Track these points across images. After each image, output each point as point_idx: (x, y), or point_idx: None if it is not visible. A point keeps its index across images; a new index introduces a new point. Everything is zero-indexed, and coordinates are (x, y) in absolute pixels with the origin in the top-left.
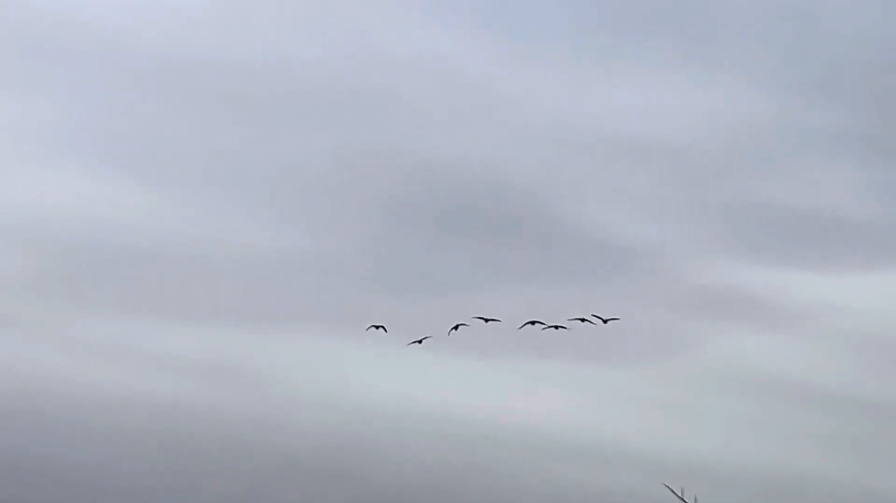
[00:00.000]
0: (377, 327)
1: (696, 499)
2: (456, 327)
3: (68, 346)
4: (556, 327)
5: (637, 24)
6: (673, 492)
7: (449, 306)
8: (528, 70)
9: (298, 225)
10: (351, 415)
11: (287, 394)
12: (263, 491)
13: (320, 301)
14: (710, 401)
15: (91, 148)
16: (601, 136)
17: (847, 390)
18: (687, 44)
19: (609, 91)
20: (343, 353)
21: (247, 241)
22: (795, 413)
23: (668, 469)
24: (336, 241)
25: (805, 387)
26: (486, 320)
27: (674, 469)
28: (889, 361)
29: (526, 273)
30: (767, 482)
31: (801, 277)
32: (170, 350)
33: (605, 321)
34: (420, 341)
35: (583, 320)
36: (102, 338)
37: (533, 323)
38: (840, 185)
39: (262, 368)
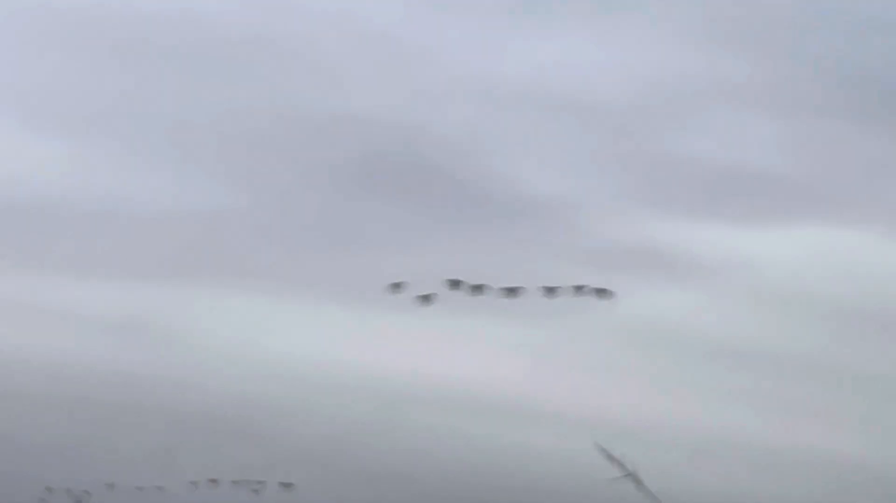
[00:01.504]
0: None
1: (633, 467)
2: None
3: None
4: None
5: None
6: (605, 451)
7: (363, 264)
8: (445, 22)
9: (209, 180)
10: (265, 374)
11: (198, 353)
12: (175, 453)
13: (232, 257)
14: (624, 357)
15: None
16: (517, 90)
17: (763, 346)
18: None
19: (527, 44)
20: (255, 311)
21: (157, 196)
22: (710, 369)
23: (581, 426)
24: (249, 196)
25: (720, 343)
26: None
27: (586, 426)
28: (805, 317)
29: (442, 229)
30: (682, 439)
31: (717, 232)
32: (75, 307)
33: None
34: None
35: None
36: (2, 294)
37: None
38: (758, 139)
39: (172, 327)
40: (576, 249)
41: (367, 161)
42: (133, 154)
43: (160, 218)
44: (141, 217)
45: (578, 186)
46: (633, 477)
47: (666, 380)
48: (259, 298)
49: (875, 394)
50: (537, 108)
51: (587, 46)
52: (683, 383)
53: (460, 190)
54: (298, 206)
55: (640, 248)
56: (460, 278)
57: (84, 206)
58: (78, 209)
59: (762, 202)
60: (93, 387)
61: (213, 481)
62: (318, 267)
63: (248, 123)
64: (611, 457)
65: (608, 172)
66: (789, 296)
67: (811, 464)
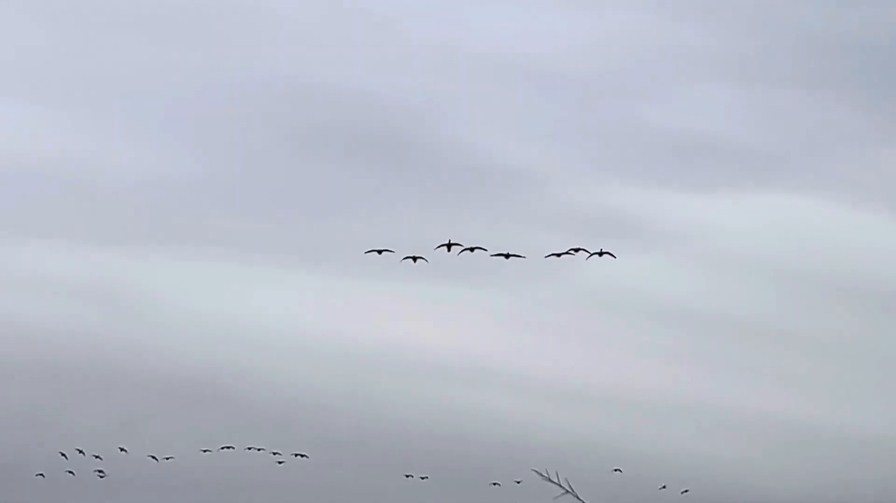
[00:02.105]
0: (379, 252)
1: (567, 482)
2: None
3: None
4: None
5: None
6: (543, 475)
7: (331, 230)
8: None
9: (180, 149)
10: (232, 339)
11: (166, 318)
12: (143, 416)
13: (199, 224)
14: (587, 321)
15: None
16: (483, 59)
17: (719, 310)
18: None
19: (493, 13)
20: (224, 277)
21: (124, 165)
22: (670, 332)
23: (544, 389)
24: (216, 164)
25: (679, 307)
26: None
27: (549, 389)
28: (760, 281)
29: (408, 195)
30: (642, 402)
31: (677, 199)
32: (43, 273)
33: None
34: (414, 259)
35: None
36: None
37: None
38: (717, 108)
39: (141, 293)
40: (539, 216)
41: (333, 129)
42: (100, 123)
43: (128, 186)
44: (108, 185)
45: (541, 155)
46: (572, 493)
47: (626, 343)
48: (227, 265)
49: (828, 357)
50: (501, 78)
51: (550, 17)
52: (643, 346)
53: (425, 158)
54: (264, 173)
55: (602, 215)
56: (449, 241)
57: (51, 174)
58: (46, 177)
59: (720, 170)
60: (59, 352)
61: (229, 448)
62: (285, 233)
63: (213, 93)
64: (549, 480)
65: (571, 141)
66: (745, 262)
67: (766, 425)
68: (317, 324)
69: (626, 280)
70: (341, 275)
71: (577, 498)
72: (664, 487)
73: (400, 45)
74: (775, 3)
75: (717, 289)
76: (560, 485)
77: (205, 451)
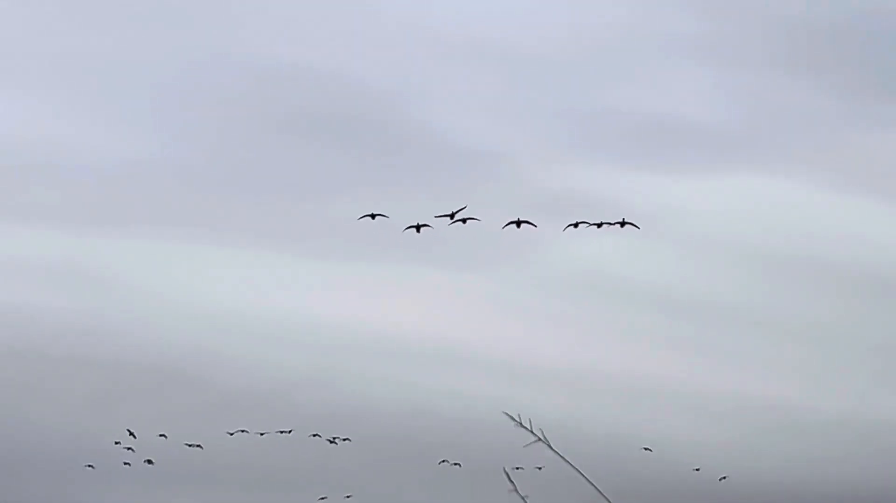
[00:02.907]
0: (373, 216)
1: (542, 432)
2: (454, 214)
3: None
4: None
5: None
6: (514, 419)
7: (302, 212)
8: None
9: (147, 130)
10: (201, 320)
11: (136, 301)
12: (112, 398)
13: (169, 206)
14: (558, 303)
15: None
16: (451, 40)
17: (692, 292)
18: None
19: None
20: (195, 260)
21: (95, 146)
22: (641, 314)
23: (517, 371)
24: (186, 146)
25: (650, 289)
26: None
27: (522, 371)
28: (733, 264)
29: (375, 177)
30: (613, 383)
31: (648, 181)
32: (11, 255)
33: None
34: (418, 228)
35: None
36: None
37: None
38: (687, 90)
39: (110, 275)
40: (510, 198)
41: (304, 111)
42: (70, 103)
43: (98, 167)
44: (79, 166)
45: (512, 137)
46: (544, 441)
47: (596, 324)
48: (198, 247)
49: (802, 339)
50: (472, 61)
51: (521, 0)
52: (613, 328)
53: (397, 140)
54: (234, 155)
55: (574, 197)
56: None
57: (21, 155)
58: (14, 158)
59: (692, 152)
60: (28, 335)
61: (244, 432)
62: (256, 215)
63: (182, 75)
64: (520, 425)
65: (542, 122)
66: (716, 244)
67: (738, 407)
68: (287, 305)
69: (596, 262)
70: (312, 256)
71: (549, 446)
72: (698, 470)
73: (373, 28)
74: None
75: (687, 271)
76: (532, 432)
77: (231, 434)
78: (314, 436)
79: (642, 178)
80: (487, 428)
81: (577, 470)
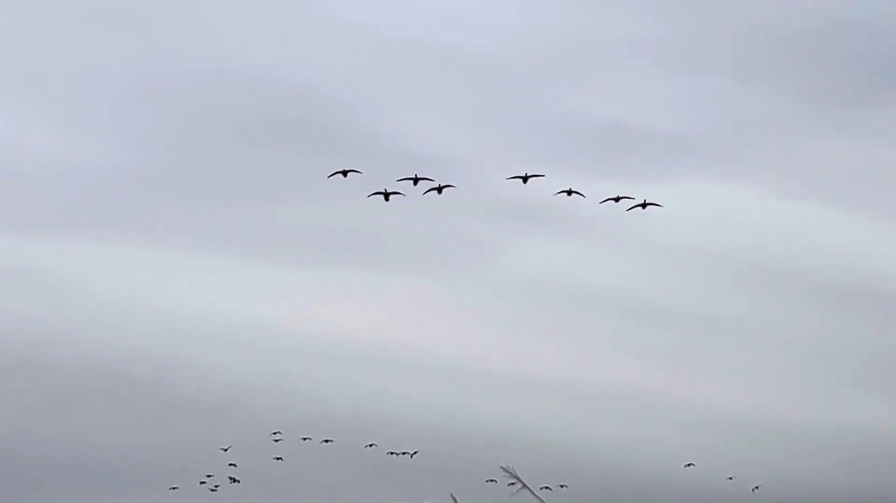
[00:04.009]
0: (345, 173)
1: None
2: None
3: None
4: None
5: None
6: (509, 472)
7: (256, 217)
8: None
9: (100, 134)
10: (156, 325)
11: (91, 306)
12: (64, 403)
13: (126, 212)
14: (510, 308)
15: None
16: (409, 45)
17: (643, 295)
18: None
19: (419, 2)
20: (150, 265)
21: (50, 152)
22: (591, 318)
23: (469, 375)
24: (141, 152)
25: (602, 294)
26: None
27: (470, 374)
28: (686, 269)
29: (330, 183)
30: (566, 387)
31: (603, 186)
32: None
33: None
34: (386, 196)
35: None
36: None
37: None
38: (644, 96)
39: (66, 280)
40: (463, 202)
41: (258, 117)
42: (27, 109)
43: (52, 172)
44: (33, 171)
45: (467, 142)
46: (529, 490)
47: (549, 329)
48: (153, 252)
49: (755, 344)
50: (426, 66)
51: (475, 5)
52: (564, 331)
53: (350, 144)
54: (187, 160)
55: (525, 202)
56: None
57: None
58: None
59: (644, 157)
60: None
61: (277, 433)
62: (209, 220)
63: (142, 83)
64: (512, 474)
65: (497, 128)
66: (672, 249)
67: (691, 411)
68: (239, 310)
69: (548, 266)
70: (264, 261)
71: (534, 493)
72: (731, 478)
73: (328, 35)
74: None
75: (639, 276)
76: (520, 481)
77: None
78: (305, 439)
79: (598, 183)
80: (439, 430)
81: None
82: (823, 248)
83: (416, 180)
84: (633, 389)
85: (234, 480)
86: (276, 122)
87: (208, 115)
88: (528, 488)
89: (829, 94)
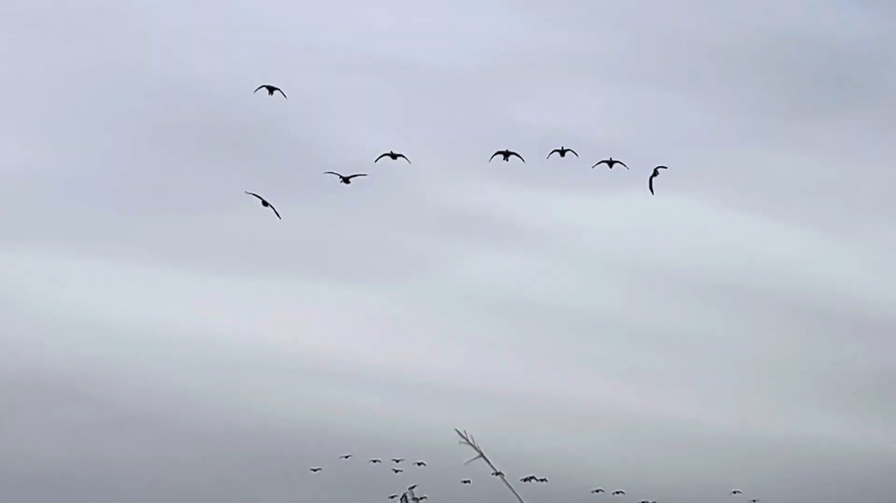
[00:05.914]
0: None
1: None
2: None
3: None
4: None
5: None
6: (462, 436)
7: (195, 224)
8: None
9: (40, 142)
10: (98, 336)
11: (28, 315)
12: (6, 411)
13: (61, 219)
14: (455, 320)
15: None
16: (352, 55)
17: (587, 309)
18: None
19: (362, 10)
20: (88, 274)
21: None
22: (536, 331)
23: (416, 389)
24: (80, 158)
25: (544, 306)
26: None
27: (421, 389)
28: (629, 280)
29: (274, 192)
30: (509, 400)
31: (544, 197)
32: None
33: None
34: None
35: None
36: None
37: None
38: (583, 107)
39: (8, 287)
40: (405, 213)
41: (200, 126)
42: None
43: None
44: None
45: (412, 152)
46: (485, 459)
47: (492, 342)
48: (91, 262)
49: (693, 355)
50: (369, 75)
51: (419, 14)
52: (510, 344)
53: (293, 155)
54: (133, 170)
55: (471, 214)
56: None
57: None
58: None
59: (587, 168)
60: None
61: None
62: (155, 230)
63: (76, 88)
64: (468, 442)
65: (438, 138)
66: (613, 261)
67: (634, 423)
68: (186, 321)
69: (494, 278)
70: (211, 272)
71: (489, 463)
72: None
73: (263, 43)
74: (646, 2)
75: (583, 289)
76: (476, 449)
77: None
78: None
79: (538, 194)
80: (380, 443)
81: (511, 489)
82: (763, 260)
83: (347, 180)
84: (577, 402)
85: None
86: (214, 131)
87: (145, 124)
88: (484, 457)
89: (773, 107)
